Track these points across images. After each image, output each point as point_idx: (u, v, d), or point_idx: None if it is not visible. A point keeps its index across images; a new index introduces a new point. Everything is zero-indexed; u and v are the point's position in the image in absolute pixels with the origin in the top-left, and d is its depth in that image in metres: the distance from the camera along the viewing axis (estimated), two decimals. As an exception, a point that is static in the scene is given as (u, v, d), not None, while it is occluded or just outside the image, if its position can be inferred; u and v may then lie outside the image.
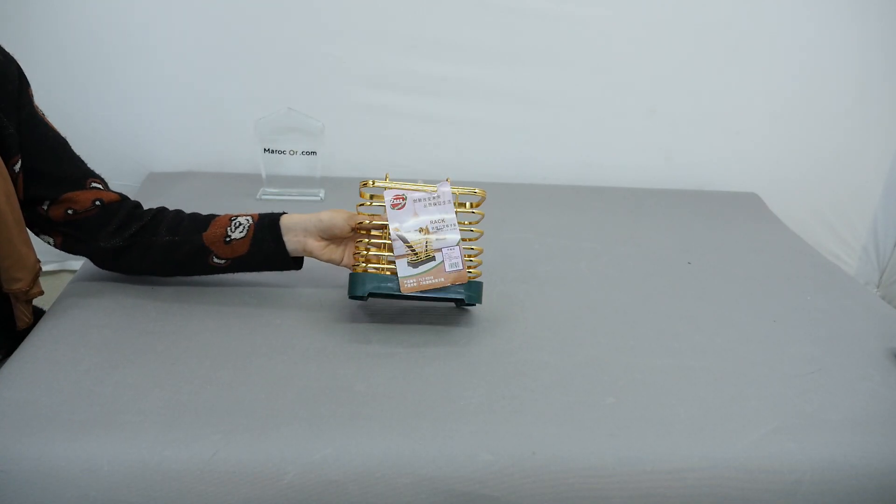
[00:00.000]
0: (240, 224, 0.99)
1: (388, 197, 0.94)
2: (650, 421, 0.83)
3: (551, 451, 0.78)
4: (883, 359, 1.00)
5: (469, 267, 0.96)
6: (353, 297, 0.96)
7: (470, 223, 0.99)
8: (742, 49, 1.59)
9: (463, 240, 0.96)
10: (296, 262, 1.02)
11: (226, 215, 1.01)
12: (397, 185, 0.95)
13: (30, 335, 0.92)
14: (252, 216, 1.00)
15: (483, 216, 0.99)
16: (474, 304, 0.98)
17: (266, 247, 0.98)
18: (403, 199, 0.94)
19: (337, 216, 0.96)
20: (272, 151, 1.40)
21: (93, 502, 0.70)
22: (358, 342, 0.94)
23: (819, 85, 1.64)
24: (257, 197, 1.44)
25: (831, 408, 0.88)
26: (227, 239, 0.98)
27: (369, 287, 0.92)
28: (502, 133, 1.62)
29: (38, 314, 1.01)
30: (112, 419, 0.76)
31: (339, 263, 1.01)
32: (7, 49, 0.91)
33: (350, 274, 0.94)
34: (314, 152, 1.41)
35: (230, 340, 0.92)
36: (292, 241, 0.98)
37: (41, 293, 0.97)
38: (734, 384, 0.91)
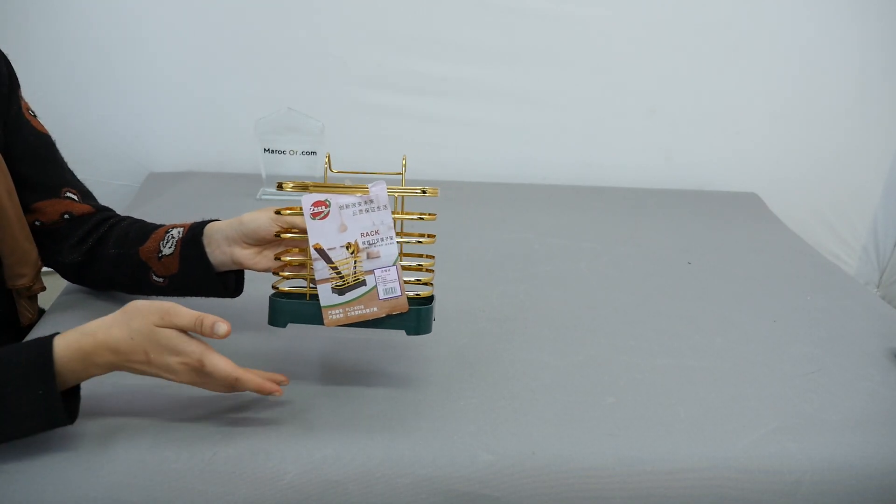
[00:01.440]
0: (171, 238, 0.87)
1: (307, 204, 0.75)
2: (650, 421, 0.83)
3: (551, 451, 0.78)
4: (883, 359, 1.00)
5: (421, 281, 0.81)
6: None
7: (419, 238, 0.81)
8: (742, 49, 1.59)
9: (408, 254, 0.81)
10: (227, 288, 0.89)
11: (165, 227, 0.90)
12: (320, 187, 0.76)
13: (29, 335, 0.92)
14: (184, 227, 0.88)
15: (435, 218, 0.81)
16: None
17: (195, 264, 0.86)
18: (327, 207, 0.76)
19: (260, 216, 0.81)
20: (272, 151, 1.40)
21: (93, 502, 0.70)
22: (358, 342, 0.94)
23: (819, 85, 1.64)
24: (257, 197, 1.44)
25: (831, 408, 0.88)
26: (159, 255, 0.87)
27: (288, 318, 0.78)
28: (502, 133, 1.62)
29: (40, 313, 1.01)
30: (112, 419, 0.76)
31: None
32: (6, 49, 0.90)
33: (269, 297, 0.78)
34: (314, 152, 1.41)
35: (230, 341, 0.92)
36: (217, 254, 0.85)
37: (44, 289, 0.97)
38: (734, 384, 0.91)
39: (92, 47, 1.44)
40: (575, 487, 0.76)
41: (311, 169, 1.42)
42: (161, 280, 0.89)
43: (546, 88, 1.58)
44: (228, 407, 0.79)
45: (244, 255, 0.83)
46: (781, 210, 1.60)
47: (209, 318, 0.69)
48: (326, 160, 0.83)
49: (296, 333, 0.95)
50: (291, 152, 1.40)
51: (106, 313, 0.95)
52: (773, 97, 1.64)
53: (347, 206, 0.76)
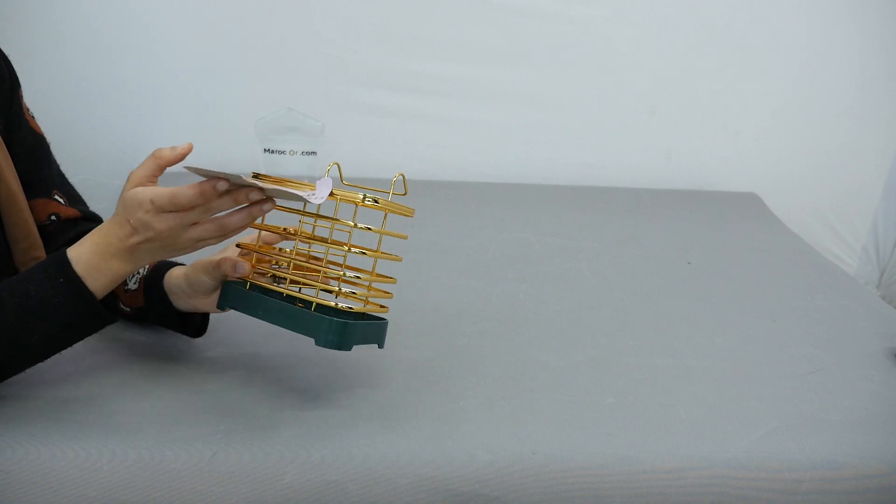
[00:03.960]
0: (136, 273, 0.86)
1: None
2: (650, 421, 0.83)
3: (551, 451, 0.78)
4: (883, 359, 1.00)
5: (370, 303, 0.77)
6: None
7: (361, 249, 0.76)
8: (742, 49, 1.59)
9: (366, 275, 0.77)
10: (189, 329, 0.88)
11: None
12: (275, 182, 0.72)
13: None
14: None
15: (405, 238, 0.79)
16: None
17: (158, 304, 0.85)
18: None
19: (200, 276, 0.79)
20: (272, 151, 1.40)
21: (92, 502, 0.70)
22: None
23: (819, 84, 1.64)
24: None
25: (831, 408, 0.88)
26: (126, 287, 0.87)
27: (226, 303, 0.78)
28: (502, 133, 1.62)
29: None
30: (112, 419, 0.76)
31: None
32: (6, 49, 0.90)
33: (224, 283, 0.78)
34: (314, 152, 1.41)
35: (233, 342, 0.92)
36: (180, 304, 0.84)
37: None
38: (734, 384, 0.91)
39: (92, 48, 1.44)
40: (575, 487, 0.76)
41: (311, 169, 1.42)
42: (128, 309, 0.88)
43: (546, 88, 1.58)
44: (228, 407, 0.79)
45: (204, 303, 0.82)
46: (781, 210, 1.60)
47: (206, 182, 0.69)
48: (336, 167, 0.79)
49: (295, 333, 0.95)
50: (291, 152, 1.40)
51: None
52: (773, 97, 1.64)
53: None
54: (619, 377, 0.91)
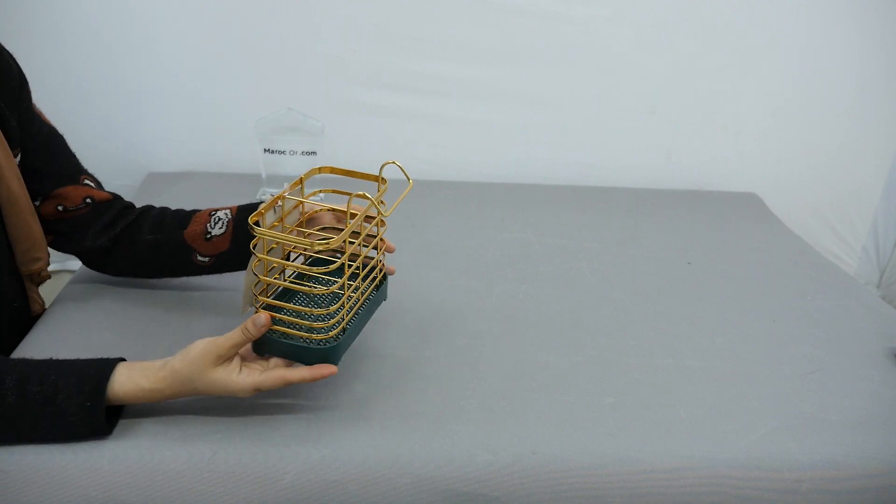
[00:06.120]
0: (219, 219, 0.96)
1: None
2: (650, 421, 0.83)
3: (551, 451, 0.78)
4: (883, 359, 1.00)
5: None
6: None
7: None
8: (742, 49, 1.59)
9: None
10: None
11: (206, 210, 0.98)
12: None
13: (28, 336, 0.92)
14: (231, 209, 0.97)
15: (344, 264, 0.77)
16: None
17: (247, 241, 0.94)
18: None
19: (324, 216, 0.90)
20: (272, 151, 1.40)
21: (93, 502, 0.70)
22: (357, 342, 0.94)
23: (819, 84, 1.64)
24: (257, 197, 1.44)
25: (831, 408, 0.88)
26: (208, 235, 0.95)
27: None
28: (502, 133, 1.62)
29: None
30: (112, 419, 0.76)
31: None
32: (7, 48, 0.91)
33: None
34: (314, 152, 1.41)
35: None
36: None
37: (49, 276, 0.98)
38: (734, 384, 0.91)
39: (92, 47, 1.44)
40: (574, 487, 0.76)
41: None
42: (206, 259, 0.96)
43: (546, 88, 1.58)
44: (228, 407, 0.80)
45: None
46: (781, 210, 1.60)
47: (248, 324, 0.74)
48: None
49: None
50: (291, 152, 1.40)
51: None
52: (773, 97, 1.64)
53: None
54: (619, 377, 0.91)
